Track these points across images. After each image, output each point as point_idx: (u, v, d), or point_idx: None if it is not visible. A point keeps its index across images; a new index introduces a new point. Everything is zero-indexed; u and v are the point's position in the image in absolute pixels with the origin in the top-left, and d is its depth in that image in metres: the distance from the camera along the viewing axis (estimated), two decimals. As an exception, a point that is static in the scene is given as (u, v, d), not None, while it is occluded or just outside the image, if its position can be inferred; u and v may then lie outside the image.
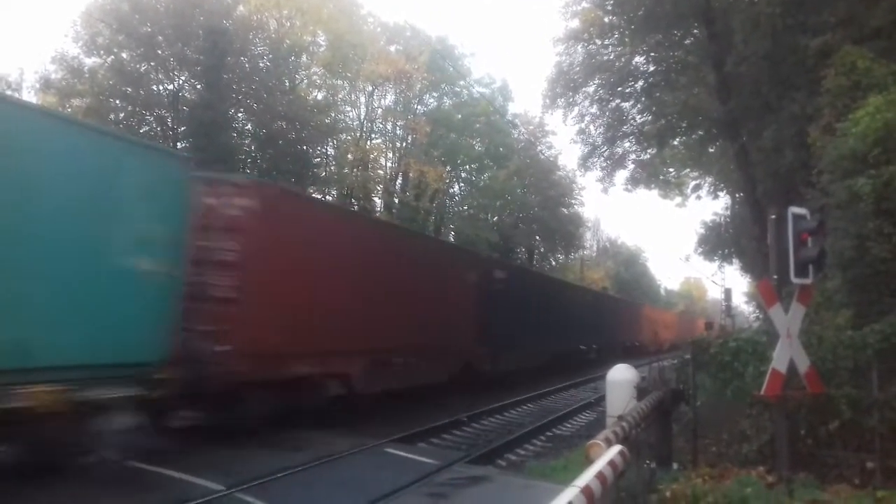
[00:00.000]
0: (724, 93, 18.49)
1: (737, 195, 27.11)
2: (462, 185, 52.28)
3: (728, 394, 9.54)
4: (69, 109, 29.61)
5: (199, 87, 35.05)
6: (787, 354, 7.76)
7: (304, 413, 12.74)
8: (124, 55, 33.77)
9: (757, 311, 25.79)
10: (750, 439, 9.23)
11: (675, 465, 9.58)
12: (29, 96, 31.95)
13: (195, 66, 34.36)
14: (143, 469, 9.05)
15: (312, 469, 9.88)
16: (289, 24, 40.16)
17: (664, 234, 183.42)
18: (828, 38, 12.30)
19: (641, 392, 9.87)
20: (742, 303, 50.18)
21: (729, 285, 79.33)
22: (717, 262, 38.04)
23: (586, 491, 3.64)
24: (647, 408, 8.49)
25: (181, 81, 35.91)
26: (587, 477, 3.88)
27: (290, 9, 39.53)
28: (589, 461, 4.71)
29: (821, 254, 7.93)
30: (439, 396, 17.98)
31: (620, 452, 4.75)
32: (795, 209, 8.01)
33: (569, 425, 17.74)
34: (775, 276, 8.12)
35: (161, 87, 35.74)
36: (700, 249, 36.39)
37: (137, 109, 34.85)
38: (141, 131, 33.36)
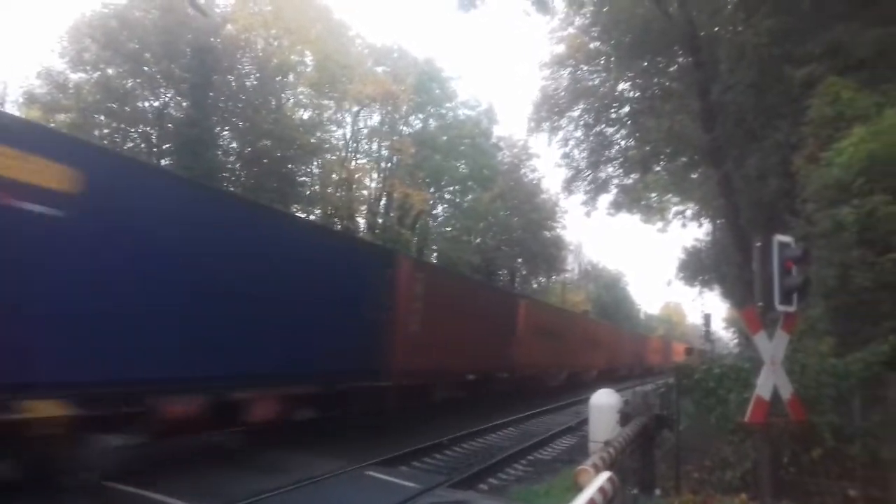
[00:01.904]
0: (708, 120, 18.70)
1: (718, 222, 27.36)
2: (446, 206, 52.38)
3: (712, 420, 9.53)
4: (53, 124, 29.31)
5: (185, 104, 34.97)
6: (770, 381, 7.79)
7: (285, 435, 12.63)
8: (110, 71, 33.60)
9: (737, 337, 25.96)
10: (733, 466, 9.21)
11: (657, 492, 9.55)
12: (13, 110, 31.64)
13: (182, 84, 34.30)
14: (122, 490, 8.90)
15: (293, 492, 9.78)
16: (276, 43, 40.21)
17: (645, 259, 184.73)
18: (813, 69, 12.47)
19: (624, 417, 9.86)
20: (721, 328, 50.42)
21: (709, 311, 79.86)
22: (697, 288, 38.37)
23: (577, 518, 3.61)
24: (633, 433, 8.47)
25: (167, 98, 35.80)
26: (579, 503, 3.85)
27: (277, 28, 39.60)
28: (578, 487, 4.68)
29: (805, 282, 7.99)
30: (420, 419, 17.88)
31: (609, 479, 4.73)
32: (781, 237, 8.07)
33: (550, 450, 17.65)
34: (760, 303, 8.16)
35: (147, 104, 35.58)
36: (681, 275, 36.72)
37: (122, 126, 34.63)
38: (125, 147, 33.15)
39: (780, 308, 7.93)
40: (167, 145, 34.86)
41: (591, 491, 4.22)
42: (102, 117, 33.92)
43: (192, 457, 10.47)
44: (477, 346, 22.42)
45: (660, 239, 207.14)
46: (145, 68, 33.83)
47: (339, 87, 41.76)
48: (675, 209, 36.04)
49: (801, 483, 8.66)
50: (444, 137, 48.63)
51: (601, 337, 44.44)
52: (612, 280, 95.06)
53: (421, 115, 49.01)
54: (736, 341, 25.77)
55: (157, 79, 34.57)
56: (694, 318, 77.39)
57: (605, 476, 4.71)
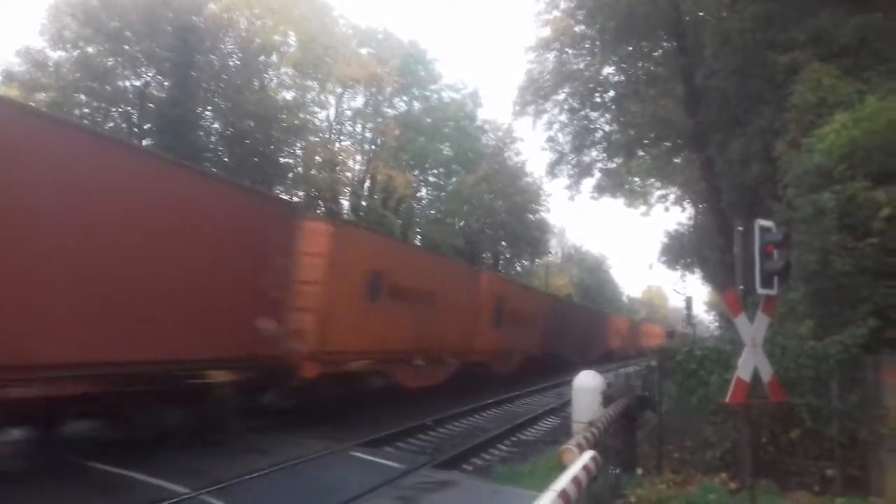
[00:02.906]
0: (692, 105, 18.81)
1: (700, 206, 27.56)
2: (430, 189, 52.35)
3: (693, 401, 9.68)
4: (33, 103, 28.93)
5: (166, 83, 34.63)
6: (751, 363, 7.90)
7: (271, 416, 12.68)
8: (91, 49, 33.18)
9: (718, 320, 26.24)
10: (713, 446, 9.38)
11: (639, 471, 9.71)
12: (-9, 88, 31.27)
13: (163, 63, 33.94)
14: (108, 471, 8.92)
15: (278, 472, 9.84)
16: (259, 23, 39.86)
17: (628, 243, 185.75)
18: (796, 55, 12.58)
19: (607, 398, 9.99)
20: (703, 312, 50.89)
21: (690, 294, 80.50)
22: (679, 272, 38.69)
23: (564, 496, 3.70)
24: (615, 414, 8.59)
25: (149, 78, 35.42)
26: (563, 482, 3.93)
27: (260, 8, 39.26)
28: (562, 466, 4.77)
29: (786, 266, 8.09)
30: (404, 401, 17.98)
31: (593, 458, 4.82)
32: (762, 222, 8.16)
33: (533, 430, 17.83)
34: (741, 287, 8.27)
35: (128, 83, 35.22)
36: (663, 258, 37.02)
37: (103, 105, 34.27)
38: (106, 127, 32.81)
39: (761, 291, 8.03)
40: (148, 125, 34.51)
41: (575, 469, 4.30)
42: (83, 96, 33.56)
43: (174, 440, 10.48)
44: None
45: (643, 223, 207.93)
46: (126, 47, 33.43)
47: (323, 68, 41.53)
48: (657, 193, 36.28)
49: (781, 463, 8.85)
50: (429, 120, 48.56)
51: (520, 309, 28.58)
52: (595, 263, 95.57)
53: (405, 98, 48.90)
54: (717, 324, 26.05)
55: (138, 58, 34.18)
56: (676, 301, 78.14)
57: (588, 455, 4.80)
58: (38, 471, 8.52)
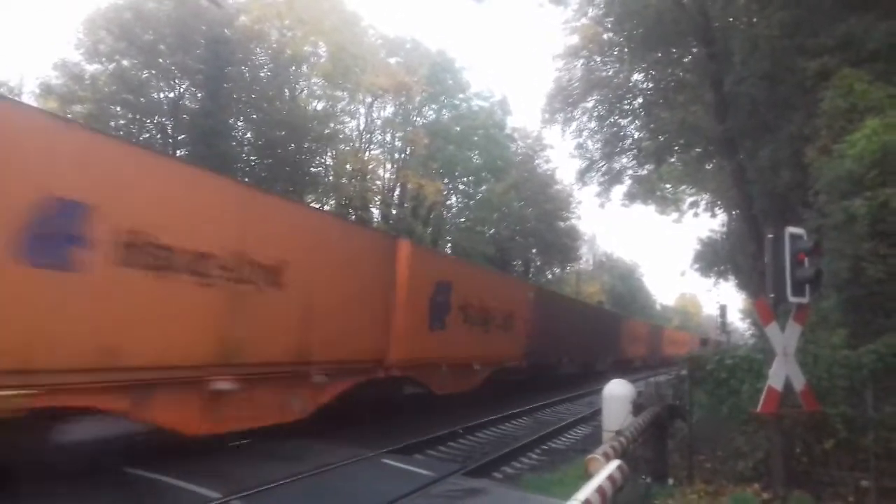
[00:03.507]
0: (721, 112, 18.64)
1: (733, 212, 27.26)
2: (459, 197, 52.39)
3: (724, 410, 9.60)
4: (70, 115, 29.58)
5: (199, 95, 35.22)
6: (783, 372, 7.85)
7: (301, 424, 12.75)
8: (126, 62, 33.86)
9: (752, 328, 25.89)
10: (745, 456, 9.29)
11: (670, 481, 9.65)
12: (29, 101, 31.95)
13: (196, 75, 34.53)
14: (140, 476, 9.06)
15: (309, 478, 9.91)
16: (290, 34, 40.29)
17: (660, 250, 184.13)
18: (826, 61, 12.44)
19: (637, 407, 9.97)
20: (737, 319, 50.16)
21: (724, 302, 79.45)
22: (712, 279, 38.20)
23: (587, 505, 3.72)
24: (644, 423, 8.56)
25: (182, 89, 36.05)
26: (588, 491, 3.95)
27: (291, 19, 39.68)
28: (588, 475, 4.78)
29: (817, 274, 8.03)
30: (436, 408, 17.99)
31: (619, 467, 4.83)
32: (792, 229, 8.11)
33: (564, 439, 17.76)
34: (772, 295, 8.21)
35: (162, 95, 35.88)
36: (696, 266, 36.60)
37: (138, 117, 34.95)
38: (141, 138, 33.45)
39: (793, 300, 7.98)
40: (182, 136, 35.09)
41: (599, 479, 4.32)
42: (118, 108, 34.23)
43: (207, 445, 10.61)
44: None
45: (675, 230, 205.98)
46: (160, 60, 34.07)
47: (353, 77, 41.83)
48: (689, 200, 35.94)
49: (814, 473, 8.74)
50: (458, 128, 48.62)
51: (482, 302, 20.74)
52: (627, 271, 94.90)
53: (434, 106, 49.02)
54: (751, 332, 25.72)
55: (171, 70, 34.81)
56: (710, 309, 76.95)
57: (614, 464, 4.81)
58: (75, 475, 8.68)
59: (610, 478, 4.54)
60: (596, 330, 37.82)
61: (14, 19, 68.14)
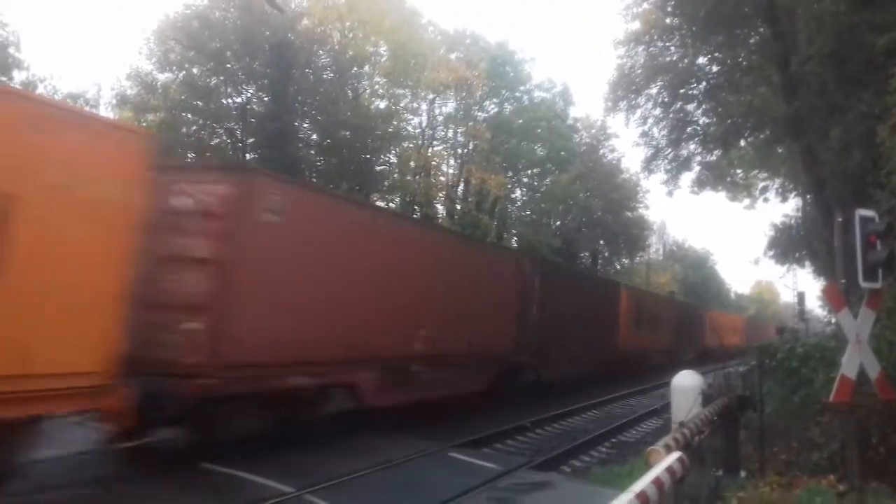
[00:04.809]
0: (789, 93, 18.05)
1: (807, 196, 26.38)
2: (524, 190, 52.11)
3: (796, 400, 9.37)
4: (144, 124, 30.68)
5: (266, 99, 35.98)
6: (856, 360, 7.60)
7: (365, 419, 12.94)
8: (195, 70, 34.91)
9: (830, 316, 25.03)
10: (820, 447, 9.05)
11: (742, 473, 9.46)
12: (106, 111, 33.29)
13: (262, 80, 35.32)
14: (213, 470, 9.36)
15: (378, 473, 10.09)
16: (351, 35, 40.76)
17: (734, 237, 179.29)
18: (894, 36, 11.94)
19: (707, 398, 9.78)
20: (816, 307, 48.45)
21: (802, 289, 77.03)
22: (788, 266, 36.96)
23: (641, 496, 3.70)
24: (711, 414, 8.41)
25: (249, 94, 36.95)
26: (643, 482, 3.93)
27: (352, 20, 40.14)
28: (649, 467, 4.75)
29: (890, 257, 7.74)
30: (503, 402, 18.02)
31: (679, 459, 4.77)
32: (863, 211, 7.84)
33: (634, 432, 17.58)
34: (843, 280, 7.96)
35: (230, 101, 36.81)
36: (770, 252, 35.46)
37: (208, 122, 35.96)
38: (212, 143, 34.42)
39: (865, 284, 7.72)
40: (251, 140, 35.95)
41: (657, 470, 4.28)
42: (189, 115, 35.29)
43: (277, 441, 10.89)
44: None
45: (749, 216, 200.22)
46: (227, 66, 34.98)
47: (414, 75, 42.05)
48: (761, 185, 34.88)
49: (892, 464, 8.45)
50: (520, 121, 48.34)
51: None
52: (698, 259, 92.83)
53: (495, 100, 48.82)
54: (828, 319, 24.87)
55: (238, 76, 35.70)
56: (788, 296, 74.40)
57: (674, 456, 4.76)
58: (150, 471, 9.03)
59: (669, 469, 4.49)
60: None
61: (89, 29, 70.93)
